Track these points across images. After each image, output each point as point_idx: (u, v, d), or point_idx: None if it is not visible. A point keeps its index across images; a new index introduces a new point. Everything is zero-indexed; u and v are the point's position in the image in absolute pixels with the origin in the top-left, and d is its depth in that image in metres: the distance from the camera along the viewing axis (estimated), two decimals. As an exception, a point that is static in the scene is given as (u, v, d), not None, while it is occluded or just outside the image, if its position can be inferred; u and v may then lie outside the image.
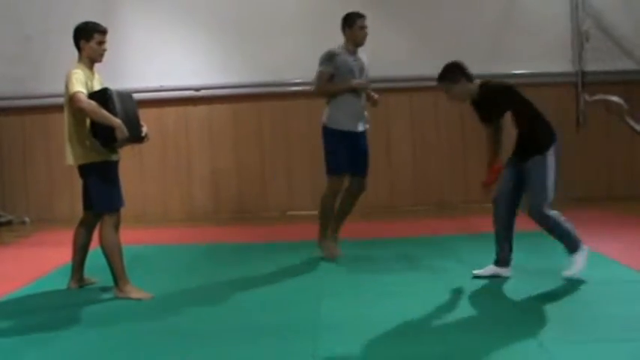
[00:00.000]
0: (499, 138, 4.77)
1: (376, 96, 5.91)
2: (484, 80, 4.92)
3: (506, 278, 4.91)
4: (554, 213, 4.77)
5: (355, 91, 5.75)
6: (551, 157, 4.77)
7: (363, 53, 5.91)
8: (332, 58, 5.70)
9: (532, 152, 4.76)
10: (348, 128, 5.76)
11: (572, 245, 4.83)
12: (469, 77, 4.88)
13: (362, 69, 5.83)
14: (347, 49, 5.77)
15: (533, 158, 4.76)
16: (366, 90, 5.84)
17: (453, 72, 4.87)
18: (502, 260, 4.96)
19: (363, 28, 5.74)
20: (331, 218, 5.84)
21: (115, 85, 4.85)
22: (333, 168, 5.78)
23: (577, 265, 4.80)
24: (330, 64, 5.70)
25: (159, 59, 8.62)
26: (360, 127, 5.85)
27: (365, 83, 5.80)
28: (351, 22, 5.76)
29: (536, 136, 4.78)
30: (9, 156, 8.88)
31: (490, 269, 4.98)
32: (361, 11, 5.83)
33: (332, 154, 5.78)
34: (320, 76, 5.75)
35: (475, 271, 4.99)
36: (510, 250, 4.95)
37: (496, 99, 4.80)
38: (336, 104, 5.77)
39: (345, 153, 5.74)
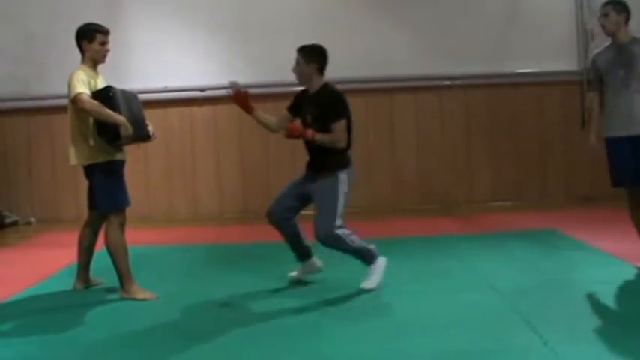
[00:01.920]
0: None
1: None
2: (327, 82, 4.79)
3: (507, 277, 4.89)
4: (343, 232, 4.67)
5: (616, 88, 5.11)
6: (344, 177, 4.70)
7: (637, 42, 5.15)
8: (593, 64, 5.31)
9: (327, 169, 4.70)
10: (609, 135, 5.16)
11: (367, 259, 4.79)
12: (321, 68, 4.76)
13: (629, 63, 5.08)
14: (612, 44, 5.23)
15: (324, 180, 4.69)
16: None
17: (312, 51, 4.75)
18: (303, 255, 5.02)
19: (599, 18, 5.25)
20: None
21: (120, 86, 4.85)
22: (611, 180, 5.27)
23: (373, 276, 4.74)
24: (592, 71, 5.34)
25: (163, 60, 8.62)
26: (626, 132, 5.08)
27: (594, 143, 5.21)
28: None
29: (337, 153, 4.71)
30: (14, 157, 8.91)
31: (301, 270, 5.07)
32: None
33: (610, 165, 5.24)
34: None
35: (290, 274, 5.09)
36: (304, 245, 5.00)
37: (337, 104, 4.69)
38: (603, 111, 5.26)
39: (617, 162, 5.15)
